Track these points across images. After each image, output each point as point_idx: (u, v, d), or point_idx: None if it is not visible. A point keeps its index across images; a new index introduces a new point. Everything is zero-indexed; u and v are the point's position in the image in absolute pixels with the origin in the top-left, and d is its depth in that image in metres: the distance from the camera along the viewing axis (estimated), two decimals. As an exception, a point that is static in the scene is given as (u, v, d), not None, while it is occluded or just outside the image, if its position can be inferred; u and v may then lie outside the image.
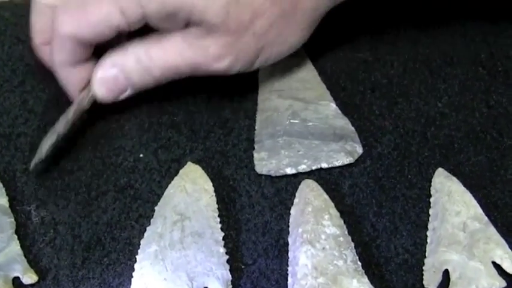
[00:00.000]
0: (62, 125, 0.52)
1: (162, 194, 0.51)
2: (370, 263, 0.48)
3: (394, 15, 0.64)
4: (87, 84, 0.52)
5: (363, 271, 0.46)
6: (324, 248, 0.47)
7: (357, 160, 0.53)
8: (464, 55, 0.61)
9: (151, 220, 0.50)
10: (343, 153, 0.53)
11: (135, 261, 0.48)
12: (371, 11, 0.64)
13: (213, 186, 0.51)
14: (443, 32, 0.63)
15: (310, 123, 0.54)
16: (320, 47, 0.61)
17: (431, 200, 0.50)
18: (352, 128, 0.55)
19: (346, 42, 0.62)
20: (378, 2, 0.64)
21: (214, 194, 0.51)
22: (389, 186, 0.52)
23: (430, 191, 0.51)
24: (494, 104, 0.57)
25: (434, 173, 0.52)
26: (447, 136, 0.55)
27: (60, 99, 0.57)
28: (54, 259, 0.49)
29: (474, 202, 0.50)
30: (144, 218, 0.51)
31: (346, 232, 0.48)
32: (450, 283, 0.46)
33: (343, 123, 0.55)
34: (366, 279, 0.45)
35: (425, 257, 0.48)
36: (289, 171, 0.52)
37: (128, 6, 0.47)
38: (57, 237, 0.50)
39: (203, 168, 0.52)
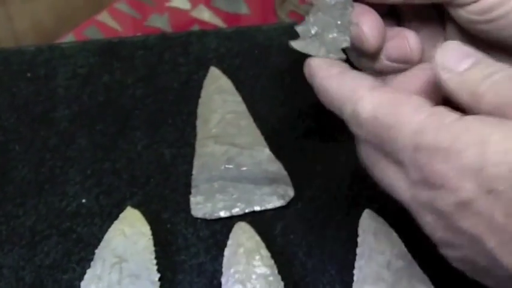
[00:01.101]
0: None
1: (103, 237, 0.53)
2: (298, 301, 0.50)
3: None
4: None
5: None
6: (254, 288, 0.49)
7: (288, 203, 0.56)
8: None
9: (92, 263, 0.52)
10: (275, 197, 0.55)
11: (75, 303, 0.50)
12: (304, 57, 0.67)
13: (151, 229, 0.53)
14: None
15: (245, 168, 0.57)
16: (255, 94, 0.64)
17: (359, 239, 0.53)
18: (285, 172, 0.57)
19: (281, 90, 0.65)
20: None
21: (151, 237, 0.53)
22: (319, 227, 0.55)
23: (357, 231, 0.54)
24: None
25: (361, 213, 0.54)
26: (375, 178, 0.58)
27: (8, 147, 0.59)
28: (-3, 302, 0.51)
29: (399, 241, 0.52)
30: (85, 261, 0.53)
31: (277, 272, 0.50)
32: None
33: (276, 167, 0.57)
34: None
35: (351, 295, 0.51)
36: (224, 214, 0.55)
37: None
38: (1, 280, 0.52)
39: (142, 212, 0.55)
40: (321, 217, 0.55)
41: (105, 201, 0.57)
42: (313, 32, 0.45)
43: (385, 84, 0.43)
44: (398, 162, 0.39)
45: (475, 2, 0.43)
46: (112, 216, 0.55)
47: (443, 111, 0.37)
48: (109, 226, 0.54)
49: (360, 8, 0.46)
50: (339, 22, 0.45)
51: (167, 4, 1.30)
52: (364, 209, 0.54)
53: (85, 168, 0.59)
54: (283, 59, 0.67)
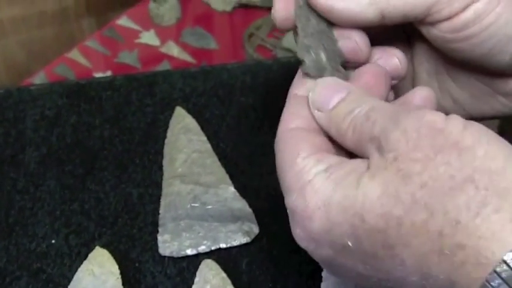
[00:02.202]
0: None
1: (73, 277, 0.54)
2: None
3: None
4: None
5: None
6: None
7: (253, 239, 0.57)
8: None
9: (62, 303, 0.53)
10: (240, 234, 0.57)
11: None
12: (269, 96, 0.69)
13: (120, 268, 0.54)
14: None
15: (210, 206, 0.58)
16: (220, 133, 0.66)
17: (323, 274, 0.54)
18: (250, 210, 0.59)
19: (245, 128, 0.67)
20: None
21: (120, 276, 0.54)
22: (283, 262, 0.56)
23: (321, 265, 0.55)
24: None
25: (325, 248, 0.56)
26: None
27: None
28: None
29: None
30: (55, 301, 0.54)
31: (243, 307, 0.52)
32: None
33: (241, 205, 0.59)
34: None
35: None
36: (190, 252, 0.56)
37: None
38: (-28, 323, 0.53)
39: (111, 251, 0.56)
40: (285, 253, 0.57)
41: (74, 241, 0.58)
42: (321, 55, 0.46)
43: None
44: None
45: (447, 20, 0.43)
46: (81, 256, 0.57)
47: (311, 164, 0.38)
48: (78, 266, 0.55)
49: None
50: (329, 42, 0.46)
51: (137, 40, 1.31)
52: (327, 243, 0.56)
53: (54, 209, 0.60)
54: (247, 98, 0.69)
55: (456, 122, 0.35)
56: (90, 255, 0.56)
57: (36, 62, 1.32)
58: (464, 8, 0.42)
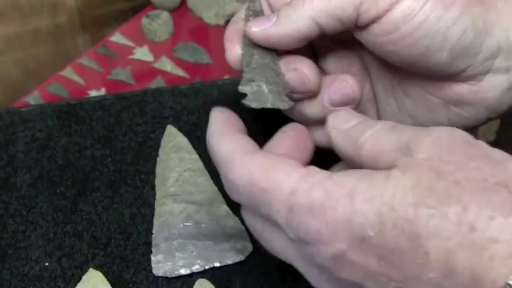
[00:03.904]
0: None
1: (66, 300, 0.54)
2: None
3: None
4: None
5: None
6: None
7: (247, 257, 0.57)
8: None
9: (55, 326, 0.53)
10: (234, 252, 0.57)
11: None
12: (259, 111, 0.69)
13: (113, 290, 0.55)
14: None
15: (203, 225, 0.58)
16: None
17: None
18: (243, 227, 0.58)
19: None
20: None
21: (113, 298, 0.54)
22: (278, 279, 0.56)
23: (315, 281, 0.55)
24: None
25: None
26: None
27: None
28: None
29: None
30: (49, 325, 0.54)
31: (237, 327, 0.52)
32: None
33: (234, 222, 0.59)
34: None
35: None
36: (184, 271, 0.56)
37: None
38: None
39: (104, 273, 0.56)
40: (279, 270, 0.56)
41: (68, 263, 0.58)
42: (263, 87, 0.47)
43: (257, 148, 0.44)
44: (275, 225, 0.40)
45: (377, 21, 0.43)
46: (75, 278, 0.56)
47: (314, 171, 0.39)
48: (72, 288, 0.55)
49: (292, 56, 0.48)
50: (273, 74, 0.47)
51: (130, 57, 1.32)
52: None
53: (47, 232, 0.60)
54: (238, 114, 0.68)
55: (484, 142, 0.37)
56: (83, 278, 0.56)
57: (32, 80, 1.32)
58: (391, 6, 0.42)
